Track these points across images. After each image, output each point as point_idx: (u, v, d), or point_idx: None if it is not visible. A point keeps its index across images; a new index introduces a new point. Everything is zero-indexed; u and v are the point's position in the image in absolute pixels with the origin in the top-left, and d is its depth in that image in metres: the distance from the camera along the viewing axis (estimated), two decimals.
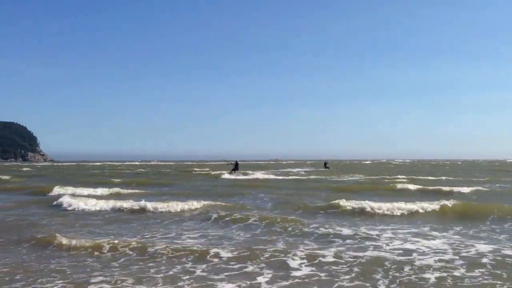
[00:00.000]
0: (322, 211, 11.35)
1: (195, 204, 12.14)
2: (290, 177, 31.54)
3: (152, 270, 5.91)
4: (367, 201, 11.68)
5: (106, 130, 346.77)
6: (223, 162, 43.65)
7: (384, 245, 7.28)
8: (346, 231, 8.61)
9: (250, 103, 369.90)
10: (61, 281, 5.47)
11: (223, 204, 12.91)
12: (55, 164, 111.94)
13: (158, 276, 5.66)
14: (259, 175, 34.91)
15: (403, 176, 29.23)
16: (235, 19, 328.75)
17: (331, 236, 8.04)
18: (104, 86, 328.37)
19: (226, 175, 32.38)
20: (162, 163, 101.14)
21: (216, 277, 5.59)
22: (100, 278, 5.61)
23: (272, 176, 32.54)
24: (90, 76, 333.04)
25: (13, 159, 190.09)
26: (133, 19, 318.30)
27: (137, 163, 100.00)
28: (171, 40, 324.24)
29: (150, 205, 12.01)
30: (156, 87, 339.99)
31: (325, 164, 49.52)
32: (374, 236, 8.06)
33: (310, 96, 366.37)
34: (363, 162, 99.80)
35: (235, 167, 36.05)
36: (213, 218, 10.25)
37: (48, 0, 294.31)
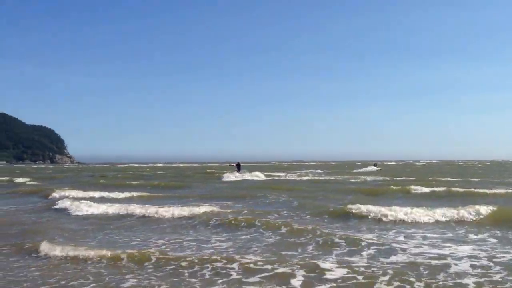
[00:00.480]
0: (346, 215, 11.05)
1: (217, 208, 12.12)
2: (312, 178, 31.37)
3: (186, 273, 5.94)
4: (395, 207, 11.13)
5: (134, 133, 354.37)
6: (226, 164, 43.63)
7: (415, 250, 7.10)
8: (374, 235, 8.45)
9: (269, 104, 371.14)
10: (94, 284, 5.57)
11: (248, 207, 12.89)
12: (80, 166, 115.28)
13: (194, 279, 5.69)
14: (281, 176, 34.85)
15: (432, 178, 28.53)
16: (237, 19, 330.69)
17: (359, 240, 7.86)
18: (129, 91, 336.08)
19: (230, 177, 31.80)
20: (183, 165, 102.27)
21: (251, 279, 5.60)
22: (134, 281, 5.69)
23: (293, 177, 32.42)
24: (115, 81, 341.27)
25: (41, 161, 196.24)
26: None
27: (159, 165, 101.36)
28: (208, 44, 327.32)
29: (172, 209, 11.82)
30: (182, 90, 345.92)
31: (375, 165, 50.75)
32: (404, 241, 7.88)
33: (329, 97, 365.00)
34: (386, 162, 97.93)
35: (238, 169, 35.92)
36: (237, 220, 10.12)
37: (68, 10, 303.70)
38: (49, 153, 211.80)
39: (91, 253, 6.94)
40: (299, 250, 7.17)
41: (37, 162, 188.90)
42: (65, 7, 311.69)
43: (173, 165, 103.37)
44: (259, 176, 32.96)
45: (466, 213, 10.42)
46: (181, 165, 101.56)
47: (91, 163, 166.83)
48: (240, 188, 21.55)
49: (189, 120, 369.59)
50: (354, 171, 45.96)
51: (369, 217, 10.61)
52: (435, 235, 8.46)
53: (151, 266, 6.34)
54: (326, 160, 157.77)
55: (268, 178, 31.66)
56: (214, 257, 6.67)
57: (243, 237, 8.51)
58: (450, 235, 8.52)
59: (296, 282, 5.45)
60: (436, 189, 17.56)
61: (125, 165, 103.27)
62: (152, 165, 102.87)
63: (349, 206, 11.54)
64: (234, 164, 38.06)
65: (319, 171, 47.98)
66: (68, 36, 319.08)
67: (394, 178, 28.74)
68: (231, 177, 31.75)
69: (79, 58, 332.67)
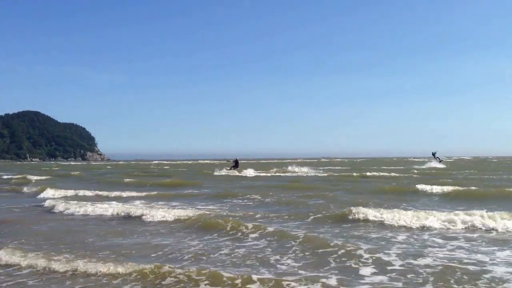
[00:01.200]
0: (375, 218, 10.47)
1: (241, 205, 12.13)
2: (333, 175, 31.13)
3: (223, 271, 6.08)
4: (433, 211, 10.66)
5: (164, 131, 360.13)
6: (224, 161, 42.91)
7: (450, 254, 6.92)
8: (406, 238, 8.29)
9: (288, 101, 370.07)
10: (136, 281, 5.81)
11: (270, 206, 12.88)
12: (108, 163, 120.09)
13: (232, 275, 5.84)
14: (306, 171, 34.81)
15: (468, 172, 27.44)
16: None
17: (391, 243, 7.78)
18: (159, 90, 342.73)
19: (222, 172, 32.77)
20: (208, 161, 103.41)
21: (290, 278, 5.69)
22: (179, 270, 5.95)
23: (313, 174, 32.50)
24: (146, 79, 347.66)
25: (73, 158, 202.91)
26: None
27: (188, 162, 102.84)
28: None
29: (194, 210, 11.67)
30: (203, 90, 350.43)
31: (434, 154, 48.06)
32: (440, 244, 7.71)
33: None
34: (411, 159, 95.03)
35: (235, 165, 35.64)
36: (264, 219, 10.13)
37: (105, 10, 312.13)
38: (80, 150, 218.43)
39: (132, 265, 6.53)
40: (333, 252, 7.13)
41: (68, 159, 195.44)
42: (92, 6, 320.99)
43: (198, 161, 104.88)
44: (270, 173, 33.21)
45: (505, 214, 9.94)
46: (209, 161, 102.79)
47: (120, 160, 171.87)
48: (258, 187, 20.44)
49: (223, 118, 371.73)
50: (416, 166, 44.60)
51: (398, 220, 9.92)
52: (474, 235, 8.29)
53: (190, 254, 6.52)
54: (353, 157, 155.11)
55: (294, 175, 31.70)
56: (252, 256, 6.83)
57: (273, 238, 8.36)
58: (491, 236, 8.30)
59: (332, 281, 5.53)
60: (464, 188, 16.69)
61: (156, 161, 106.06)
62: (180, 161, 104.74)
63: (375, 207, 11.17)
64: (232, 161, 36.93)
65: (347, 167, 47.35)
66: (99, 35, 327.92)
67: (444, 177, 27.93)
68: (248, 173, 31.93)
69: (112, 57, 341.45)
